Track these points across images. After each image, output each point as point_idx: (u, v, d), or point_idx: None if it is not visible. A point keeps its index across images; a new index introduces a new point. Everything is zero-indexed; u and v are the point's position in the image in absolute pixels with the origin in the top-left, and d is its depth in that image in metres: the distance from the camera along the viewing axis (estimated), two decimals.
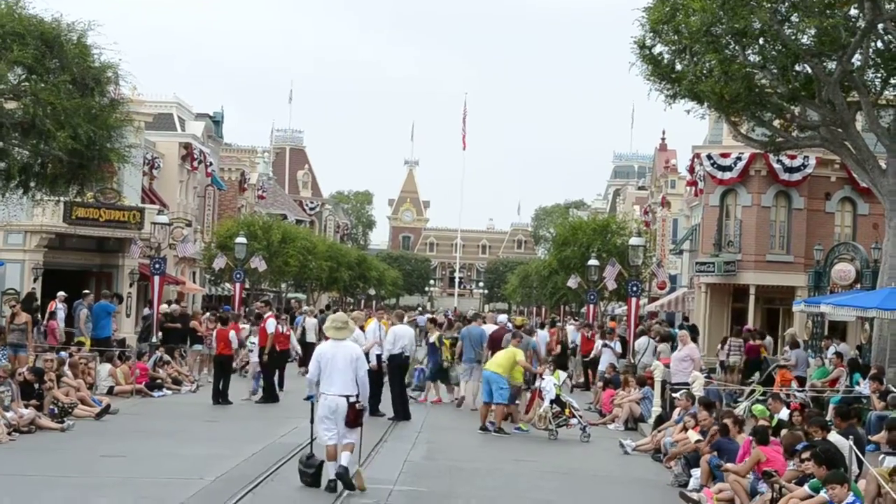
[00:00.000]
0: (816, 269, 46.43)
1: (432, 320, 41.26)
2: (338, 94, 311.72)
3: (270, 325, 34.67)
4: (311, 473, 18.80)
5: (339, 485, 18.29)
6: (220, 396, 33.18)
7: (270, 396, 33.97)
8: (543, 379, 28.67)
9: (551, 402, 27.99)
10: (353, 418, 18.46)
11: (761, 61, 32.21)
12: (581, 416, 28.69)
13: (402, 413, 30.24)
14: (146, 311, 47.92)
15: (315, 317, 46.45)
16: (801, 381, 34.89)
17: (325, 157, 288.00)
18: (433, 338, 35.68)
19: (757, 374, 37.80)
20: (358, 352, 19.06)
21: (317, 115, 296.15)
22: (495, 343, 32.62)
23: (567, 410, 28.18)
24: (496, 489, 20.33)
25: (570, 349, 46.01)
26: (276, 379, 34.80)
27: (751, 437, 20.58)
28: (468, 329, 34.60)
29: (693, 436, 23.11)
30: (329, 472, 18.51)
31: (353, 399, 18.45)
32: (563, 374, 31.10)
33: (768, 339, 42.15)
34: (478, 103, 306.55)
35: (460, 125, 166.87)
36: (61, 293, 40.00)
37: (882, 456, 19.65)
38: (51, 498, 17.55)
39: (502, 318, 36.60)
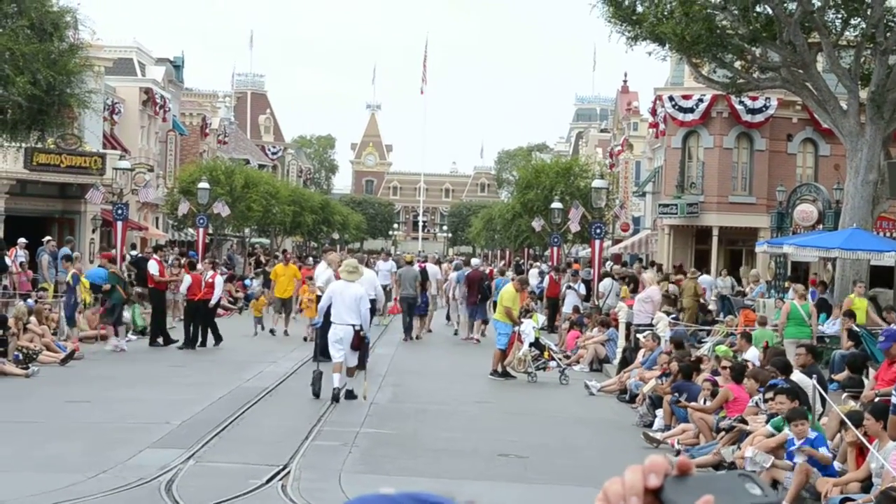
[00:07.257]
0: (779, 210, 46.56)
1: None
2: (299, 37, 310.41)
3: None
4: (315, 384, 22.93)
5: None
6: (193, 342, 33.01)
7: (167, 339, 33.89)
8: (521, 322, 28.79)
9: (530, 345, 28.11)
10: (357, 343, 23.03)
11: (722, 2, 32.21)
12: (560, 359, 28.90)
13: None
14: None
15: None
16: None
17: (287, 102, 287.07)
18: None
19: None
20: (362, 291, 23.64)
21: (278, 60, 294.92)
22: (472, 282, 38.25)
23: (546, 353, 28.32)
24: (461, 431, 20.43)
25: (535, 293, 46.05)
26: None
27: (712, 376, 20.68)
28: (406, 269, 39.29)
29: (652, 382, 23.17)
30: (334, 381, 22.61)
31: (357, 328, 22.92)
32: (541, 318, 31.18)
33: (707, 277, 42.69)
34: (440, 46, 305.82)
35: (421, 69, 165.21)
36: (22, 240, 39.80)
37: (844, 395, 19.80)
38: (16, 443, 17.54)
39: (476, 261, 43.06)
